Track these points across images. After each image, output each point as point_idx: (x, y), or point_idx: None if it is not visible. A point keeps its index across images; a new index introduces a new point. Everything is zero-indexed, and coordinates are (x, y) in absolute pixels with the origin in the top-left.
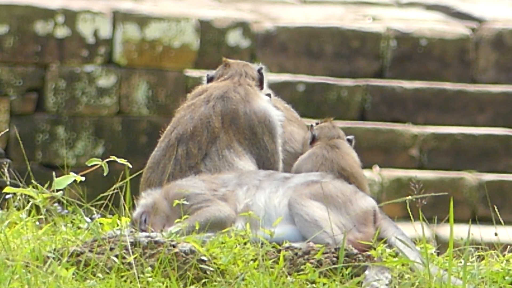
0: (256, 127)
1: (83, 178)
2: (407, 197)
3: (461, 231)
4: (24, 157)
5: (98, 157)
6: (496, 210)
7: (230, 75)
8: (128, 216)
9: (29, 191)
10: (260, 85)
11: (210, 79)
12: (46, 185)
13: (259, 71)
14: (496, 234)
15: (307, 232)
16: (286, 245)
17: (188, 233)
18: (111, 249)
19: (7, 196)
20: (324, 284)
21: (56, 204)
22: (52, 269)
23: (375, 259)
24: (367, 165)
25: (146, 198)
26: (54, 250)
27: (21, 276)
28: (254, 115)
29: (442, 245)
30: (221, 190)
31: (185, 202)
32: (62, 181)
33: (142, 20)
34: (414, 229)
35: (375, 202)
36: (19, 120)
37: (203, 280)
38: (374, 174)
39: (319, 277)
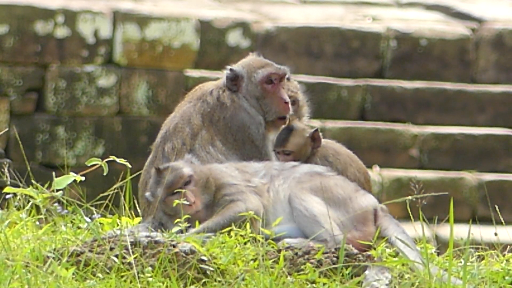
0: (236, 134)
1: (83, 178)
2: (407, 197)
3: (461, 231)
4: (24, 157)
5: (98, 157)
6: (497, 210)
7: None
8: (131, 214)
9: (29, 191)
10: (237, 87)
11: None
12: (46, 185)
13: (230, 70)
14: (496, 234)
15: (305, 227)
16: (286, 245)
17: (213, 230)
18: (111, 249)
19: (7, 196)
20: (324, 284)
21: (56, 204)
22: (52, 269)
23: (375, 259)
24: (367, 165)
25: (189, 165)
26: (54, 250)
27: (21, 276)
28: (230, 123)
29: (442, 245)
30: (254, 180)
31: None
32: (62, 181)
33: (142, 20)
34: (414, 229)
35: (376, 201)
36: (19, 120)
37: (203, 280)
38: (374, 174)
39: (319, 277)
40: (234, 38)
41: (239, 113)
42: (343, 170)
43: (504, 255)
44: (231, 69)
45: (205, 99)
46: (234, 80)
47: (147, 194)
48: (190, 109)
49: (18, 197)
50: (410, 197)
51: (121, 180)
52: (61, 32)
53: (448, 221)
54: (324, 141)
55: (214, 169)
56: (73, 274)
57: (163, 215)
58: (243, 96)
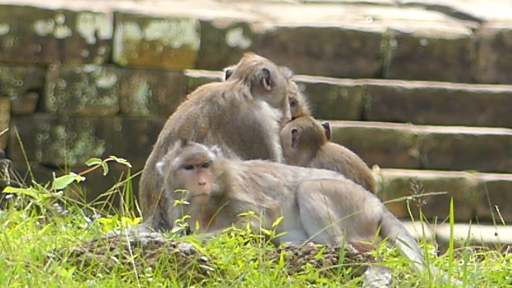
0: (244, 134)
1: (83, 178)
2: (407, 197)
3: (461, 231)
4: (24, 157)
5: (98, 157)
6: (497, 210)
7: (235, 75)
8: (131, 214)
9: (29, 191)
10: (262, 86)
11: (227, 76)
12: (46, 185)
13: (263, 70)
14: (496, 234)
15: (309, 227)
16: (286, 245)
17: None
18: (111, 249)
19: (7, 196)
20: (324, 284)
21: (56, 204)
22: (52, 269)
23: (375, 259)
24: (367, 165)
25: (213, 153)
26: (54, 250)
27: (21, 276)
28: (241, 123)
29: (442, 245)
30: (267, 200)
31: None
32: (62, 181)
33: (142, 20)
34: (414, 229)
35: (382, 207)
36: (19, 120)
37: (203, 280)
38: (374, 174)
39: (319, 277)
40: (234, 38)
41: (252, 113)
42: None
43: (504, 255)
44: (264, 69)
45: (215, 101)
46: (268, 79)
47: (159, 164)
48: (197, 111)
49: (18, 197)
50: (410, 197)
51: (121, 180)
52: (61, 32)
53: (448, 221)
54: (322, 147)
55: (232, 174)
56: (73, 274)
57: (168, 187)
58: (271, 94)
